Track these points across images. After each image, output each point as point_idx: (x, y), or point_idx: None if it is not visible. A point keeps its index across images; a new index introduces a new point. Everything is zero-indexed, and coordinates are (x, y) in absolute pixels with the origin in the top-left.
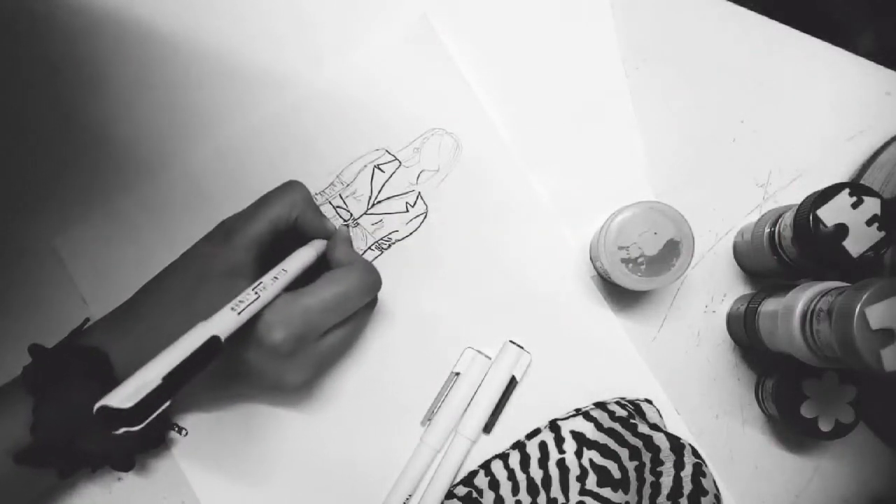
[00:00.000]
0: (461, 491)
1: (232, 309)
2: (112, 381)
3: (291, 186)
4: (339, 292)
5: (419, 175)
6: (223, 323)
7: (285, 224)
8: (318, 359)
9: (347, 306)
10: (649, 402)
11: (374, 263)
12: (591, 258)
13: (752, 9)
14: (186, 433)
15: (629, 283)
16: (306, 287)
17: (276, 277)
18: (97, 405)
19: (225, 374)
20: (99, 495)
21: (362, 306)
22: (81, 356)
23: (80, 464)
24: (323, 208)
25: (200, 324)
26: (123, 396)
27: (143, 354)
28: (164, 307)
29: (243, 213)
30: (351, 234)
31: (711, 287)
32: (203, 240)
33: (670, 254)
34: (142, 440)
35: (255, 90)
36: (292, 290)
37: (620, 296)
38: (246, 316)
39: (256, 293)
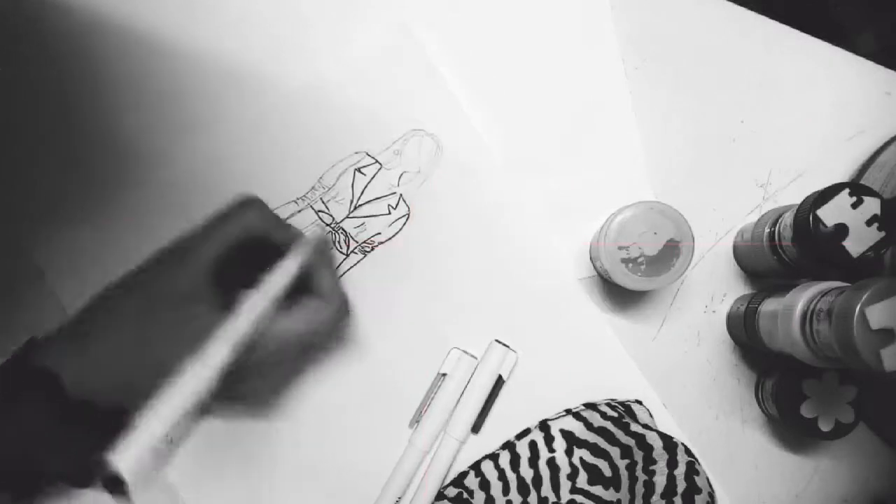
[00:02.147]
0: (451, 492)
1: (225, 344)
2: (64, 400)
3: (245, 205)
4: (312, 327)
5: (400, 177)
6: (214, 359)
7: (240, 244)
8: (286, 382)
9: (318, 339)
10: (640, 402)
11: (358, 266)
12: (591, 258)
13: (752, 9)
14: (172, 440)
15: (629, 283)
16: (284, 313)
17: (258, 307)
18: (109, 474)
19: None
20: None
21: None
22: (31, 376)
23: (36, 485)
24: (304, 213)
25: (193, 364)
26: (133, 459)
27: (95, 374)
28: (115, 328)
29: (193, 232)
30: (329, 240)
31: (711, 287)
32: (154, 260)
33: (670, 254)
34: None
35: (233, 96)
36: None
37: (620, 296)
38: (232, 355)
39: (241, 327)
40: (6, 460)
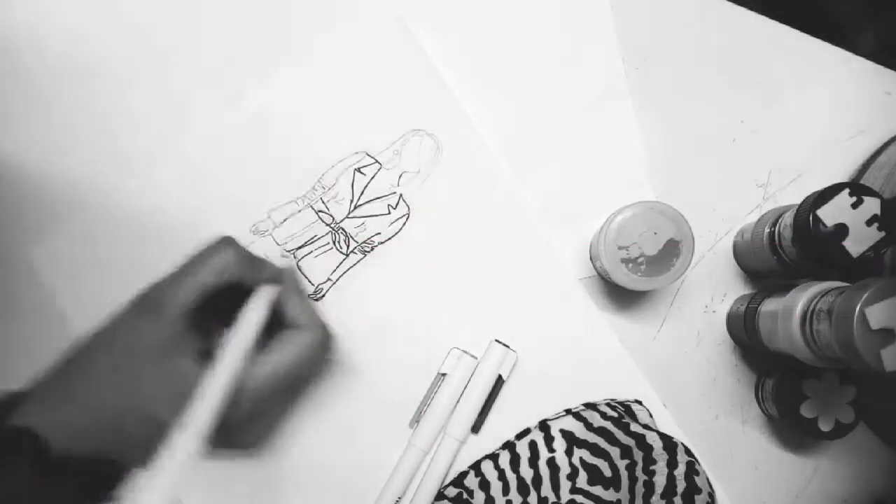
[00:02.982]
0: (451, 492)
1: (202, 404)
2: (47, 461)
3: (218, 249)
4: (293, 362)
5: (400, 177)
6: (199, 422)
7: (215, 290)
8: (273, 423)
9: (302, 372)
10: (639, 402)
11: (358, 266)
12: (591, 258)
13: (752, 9)
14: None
15: (629, 283)
16: (262, 356)
17: (233, 355)
18: None
19: None
20: None
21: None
22: (13, 439)
23: None
24: (304, 212)
25: (179, 433)
26: None
27: (76, 432)
28: (93, 385)
29: (169, 281)
30: (299, 274)
31: (711, 287)
32: (129, 312)
33: (670, 254)
34: None
35: (232, 96)
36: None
37: (620, 296)
38: (218, 408)
39: (220, 379)
40: None
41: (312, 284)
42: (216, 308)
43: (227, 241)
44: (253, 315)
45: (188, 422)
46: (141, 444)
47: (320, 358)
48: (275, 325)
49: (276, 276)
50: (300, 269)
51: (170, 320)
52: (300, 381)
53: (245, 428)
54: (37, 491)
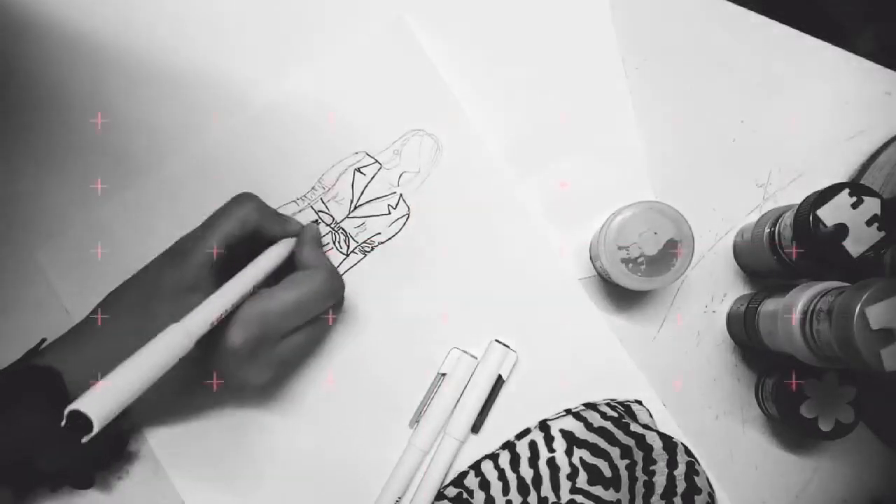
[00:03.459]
0: (451, 492)
1: (199, 312)
2: (65, 399)
3: (240, 200)
4: (299, 296)
5: (400, 177)
6: (193, 324)
7: (238, 239)
8: (278, 360)
9: (308, 310)
10: (639, 402)
11: (358, 266)
12: (591, 258)
13: (752, 9)
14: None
15: (629, 283)
16: (268, 289)
17: (243, 280)
18: (68, 409)
19: (189, 378)
20: None
21: (327, 309)
22: (34, 376)
23: (35, 484)
24: (305, 212)
25: (172, 326)
26: (95, 402)
27: (96, 372)
28: (115, 325)
29: (194, 232)
30: (320, 231)
31: (711, 287)
32: (155, 260)
33: (670, 254)
34: (100, 458)
35: (232, 96)
36: (264, 286)
37: (620, 296)
38: (214, 317)
39: (223, 295)
40: (7, 458)
41: None
42: (239, 258)
43: (249, 196)
44: (269, 255)
45: (185, 318)
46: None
47: (326, 297)
48: (290, 269)
49: (296, 229)
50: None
51: (194, 265)
52: (305, 318)
53: (250, 358)
54: (53, 430)
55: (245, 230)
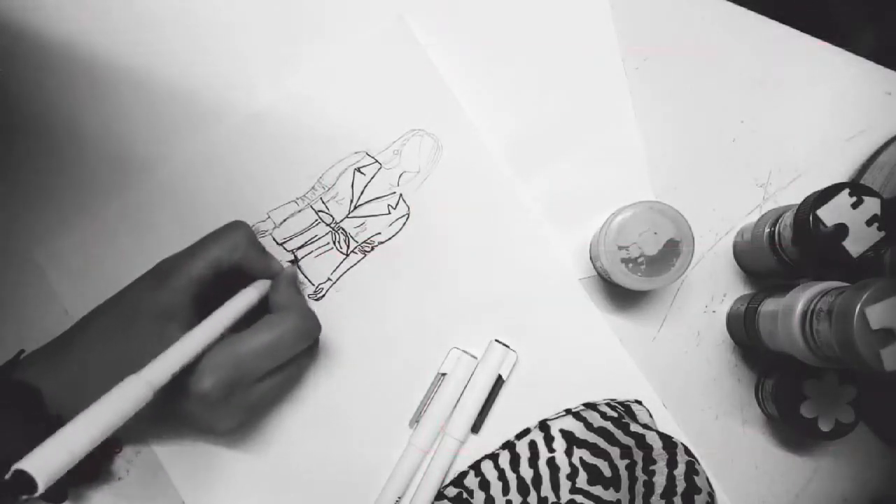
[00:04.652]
0: (451, 492)
1: (161, 361)
2: (43, 415)
3: (234, 227)
4: (272, 339)
5: (400, 177)
6: (154, 373)
7: (226, 265)
8: (249, 405)
9: (282, 353)
10: (639, 402)
11: (358, 266)
12: (591, 258)
13: (752, 9)
14: (121, 450)
15: (629, 283)
16: (241, 332)
17: (212, 325)
18: (14, 467)
19: (159, 416)
20: None
21: (301, 351)
22: (12, 390)
23: (6, 497)
24: (304, 212)
25: (130, 376)
26: (42, 461)
27: (73, 390)
28: (94, 345)
29: (182, 253)
30: (298, 273)
31: (711, 287)
32: (139, 279)
33: (670, 254)
34: (74, 474)
35: (232, 96)
36: (234, 330)
37: (620, 296)
38: (177, 367)
39: (189, 343)
40: None
41: (312, 284)
42: (218, 290)
43: (241, 224)
44: (241, 298)
45: (145, 369)
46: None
47: (300, 339)
48: (263, 311)
49: (277, 269)
50: (300, 270)
51: (177, 288)
52: (278, 361)
53: (219, 404)
54: (29, 444)
55: (232, 258)
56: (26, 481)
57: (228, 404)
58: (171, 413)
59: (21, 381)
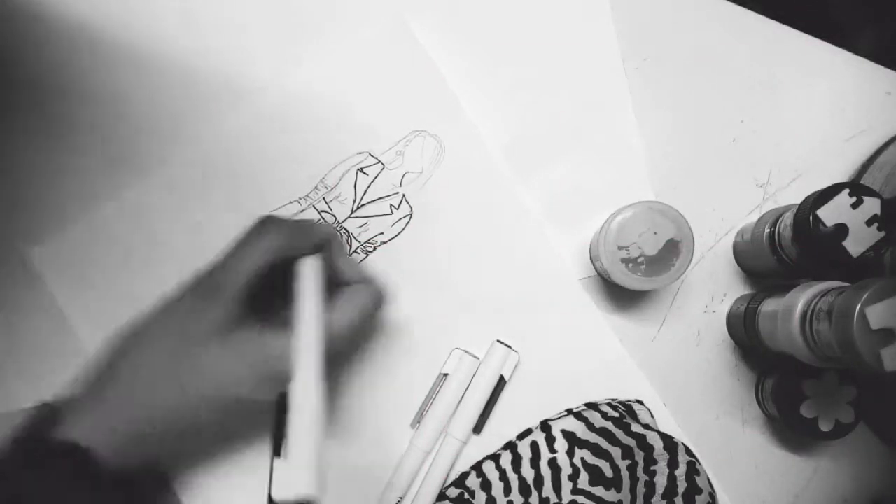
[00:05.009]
0: (453, 492)
1: (300, 374)
2: (101, 478)
3: (266, 227)
4: (364, 312)
5: (403, 177)
6: (313, 401)
7: (268, 266)
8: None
9: (369, 320)
10: (640, 402)
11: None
12: (591, 258)
13: (752, 9)
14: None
15: (629, 283)
16: (336, 313)
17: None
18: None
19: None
20: None
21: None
22: (61, 455)
23: None
24: (307, 213)
25: (292, 388)
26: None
27: (131, 441)
28: (146, 380)
29: (222, 263)
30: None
31: (711, 287)
32: (183, 298)
33: (670, 254)
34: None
35: (234, 96)
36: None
37: (620, 296)
38: (317, 370)
39: (308, 350)
40: None
41: None
42: (270, 281)
43: (271, 220)
44: (311, 282)
45: (301, 405)
46: (189, 451)
47: (378, 310)
48: (329, 286)
49: (325, 236)
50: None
51: (228, 299)
52: (360, 336)
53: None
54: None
55: (273, 258)
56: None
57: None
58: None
59: (68, 443)
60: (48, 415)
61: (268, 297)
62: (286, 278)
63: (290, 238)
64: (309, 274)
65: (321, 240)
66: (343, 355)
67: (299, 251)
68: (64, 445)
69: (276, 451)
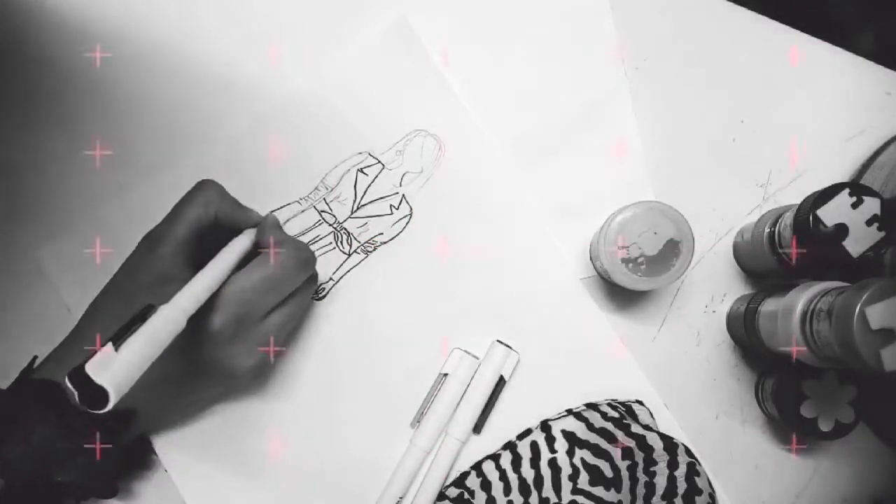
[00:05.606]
0: (453, 492)
1: (186, 291)
2: (69, 408)
3: (203, 185)
4: (271, 272)
5: (402, 177)
6: (184, 301)
7: (206, 223)
8: (262, 338)
9: (283, 284)
10: (640, 403)
11: (360, 266)
12: (591, 258)
13: (752, 9)
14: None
15: (629, 283)
16: (240, 271)
17: (219, 264)
18: (71, 369)
19: (185, 377)
20: None
21: (303, 284)
22: (35, 389)
23: (61, 498)
24: (308, 213)
25: (162, 306)
26: (107, 371)
27: None
28: (108, 324)
29: (161, 222)
30: (278, 220)
31: (711, 287)
32: (129, 258)
33: (670, 254)
34: (120, 465)
35: (235, 97)
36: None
37: (620, 296)
38: (201, 294)
39: (205, 275)
40: (26, 476)
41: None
42: (208, 248)
43: (210, 182)
44: (237, 242)
45: (174, 298)
46: (152, 389)
47: (298, 268)
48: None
49: (257, 219)
50: None
51: (166, 254)
52: (281, 294)
53: (233, 340)
54: (65, 442)
55: (208, 214)
56: (98, 394)
57: (242, 341)
58: (192, 370)
59: (42, 379)
60: (33, 363)
61: (203, 258)
62: (221, 244)
63: (223, 201)
64: (234, 243)
65: (253, 221)
66: (258, 306)
67: (231, 220)
68: (39, 382)
69: (114, 341)
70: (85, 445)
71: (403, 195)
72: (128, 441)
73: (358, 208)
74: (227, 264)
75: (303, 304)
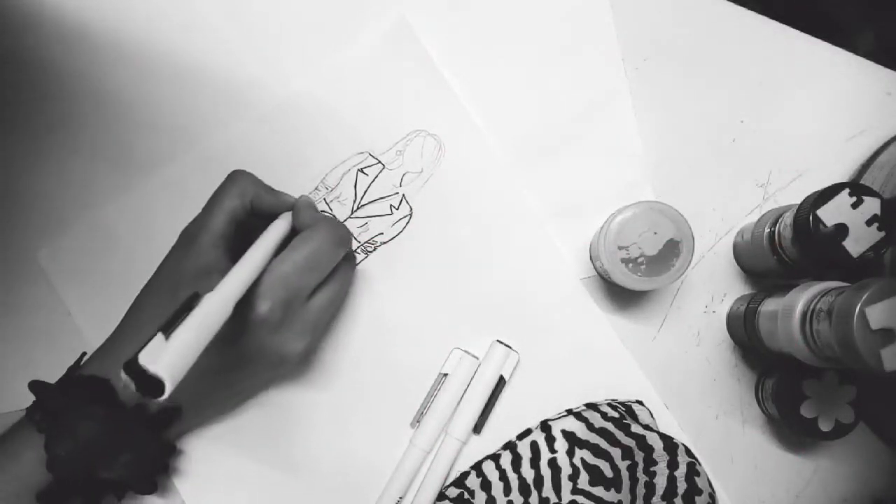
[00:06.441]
0: (453, 492)
1: (228, 280)
2: (117, 404)
3: (236, 176)
4: (310, 251)
5: (403, 177)
6: (227, 290)
7: (242, 212)
8: (311, 321)
9: (323, 263)
10: (641, 403)
11: (361, 266)
12: (591, 258)
13: (752, 9)
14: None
15: (629, 283)
16: (279, 256)
17: (259, 251)
18: (125, 361)
19: (231, 368)
20: None
21: (342, 261)
22: (83, 385)
23: (102, 494)
24: None
25: (207, 295)
26: (155, 356)
27: None
28: (146, 327)
29: (199, 215)
30: (313, 200)
31: (711, 287)
32: (170, 253)
33: (670, 254)
34: (159, 460)
35: (236, 98)
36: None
37: (620, 296)
38: (244, 282)
39: (245, 264)
40: (71, 471)
41: None
42: (246, 237)
43: (242, 172)
44: (274, 229)
45: (217, 287)
46: (197, 386)
47: (336, 245)
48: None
49: (291, 202)
50: None
51: (207, 246)
52: (323, 273)
53: (282, 325)
54: (111, 438)
55: (245, 204)
56: (153, 384)
57: (290, 325)
58: (238, 360)
59: (89, 375)
60: (80, 359)
61: (242, 250)
62: (257, 234)
63: (258, 188)
64: (272, 229)
65: (287, 204)
66: (302, 288)
67: (267, 206)
68: (87, 378)
69: (164, 330)
70: (131, 442)
71: (403, 195)
72: (173, 439)
73: (358, 208)
74: (267, 249)
75: (345, 284)
